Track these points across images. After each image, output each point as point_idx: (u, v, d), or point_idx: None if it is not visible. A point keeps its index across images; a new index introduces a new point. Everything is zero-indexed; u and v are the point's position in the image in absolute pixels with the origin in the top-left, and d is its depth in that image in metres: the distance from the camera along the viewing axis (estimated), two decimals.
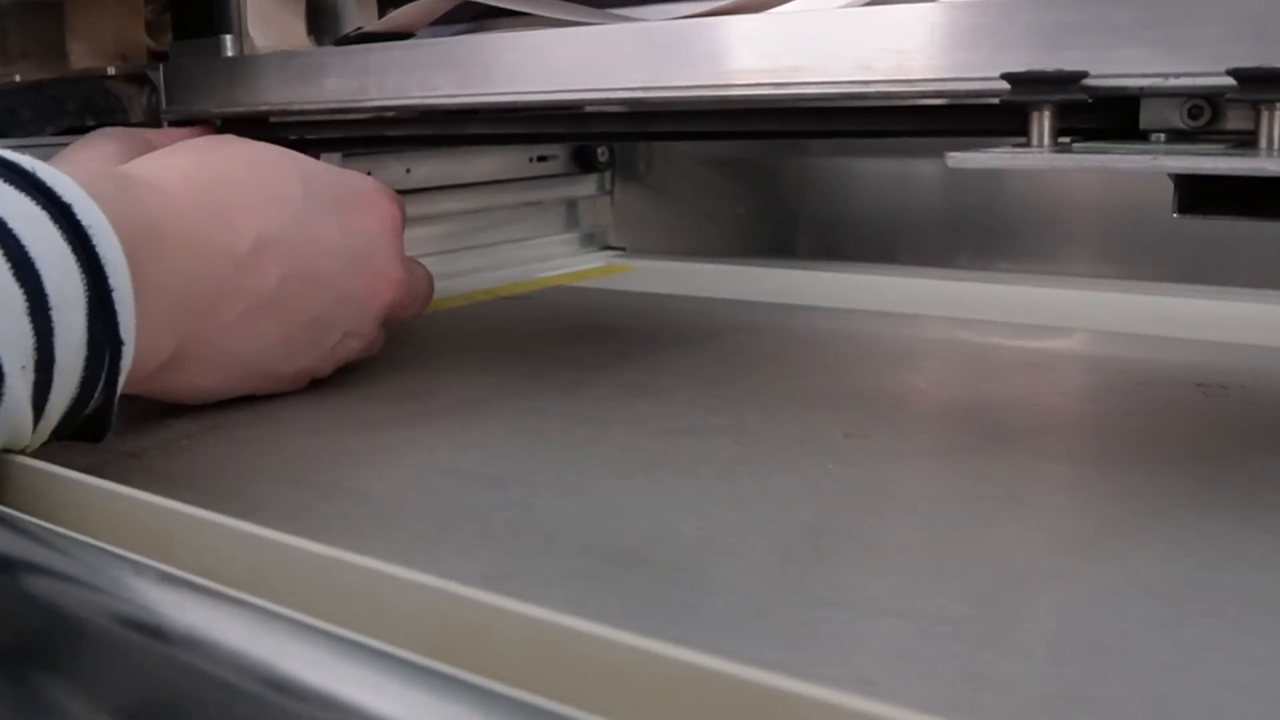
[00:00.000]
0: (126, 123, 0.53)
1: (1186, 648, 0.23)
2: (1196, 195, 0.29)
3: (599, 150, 0.79)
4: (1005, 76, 0.29)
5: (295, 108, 0.45)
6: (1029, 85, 0.29)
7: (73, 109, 0.53)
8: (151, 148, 0.46)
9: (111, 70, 0.52)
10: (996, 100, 0.30)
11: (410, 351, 0.50)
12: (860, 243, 0.71)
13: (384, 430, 0.39)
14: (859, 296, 0.62)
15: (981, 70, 0.29)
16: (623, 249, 0.81)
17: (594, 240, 0.82)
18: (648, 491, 0.32)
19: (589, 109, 0.42)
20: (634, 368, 0.47)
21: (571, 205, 0.81)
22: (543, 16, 0.42)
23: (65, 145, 0.45)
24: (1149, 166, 0.27)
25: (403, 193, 0.69)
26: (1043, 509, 0.31)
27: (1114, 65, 0.28)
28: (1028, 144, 0.29)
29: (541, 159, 0.78)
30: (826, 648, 0.23)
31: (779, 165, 0.75)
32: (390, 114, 0.44)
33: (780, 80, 0.33)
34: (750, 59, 0.34)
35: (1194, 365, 0.44)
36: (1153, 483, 0.32)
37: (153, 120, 0.52)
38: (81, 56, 0.55)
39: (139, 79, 0.51)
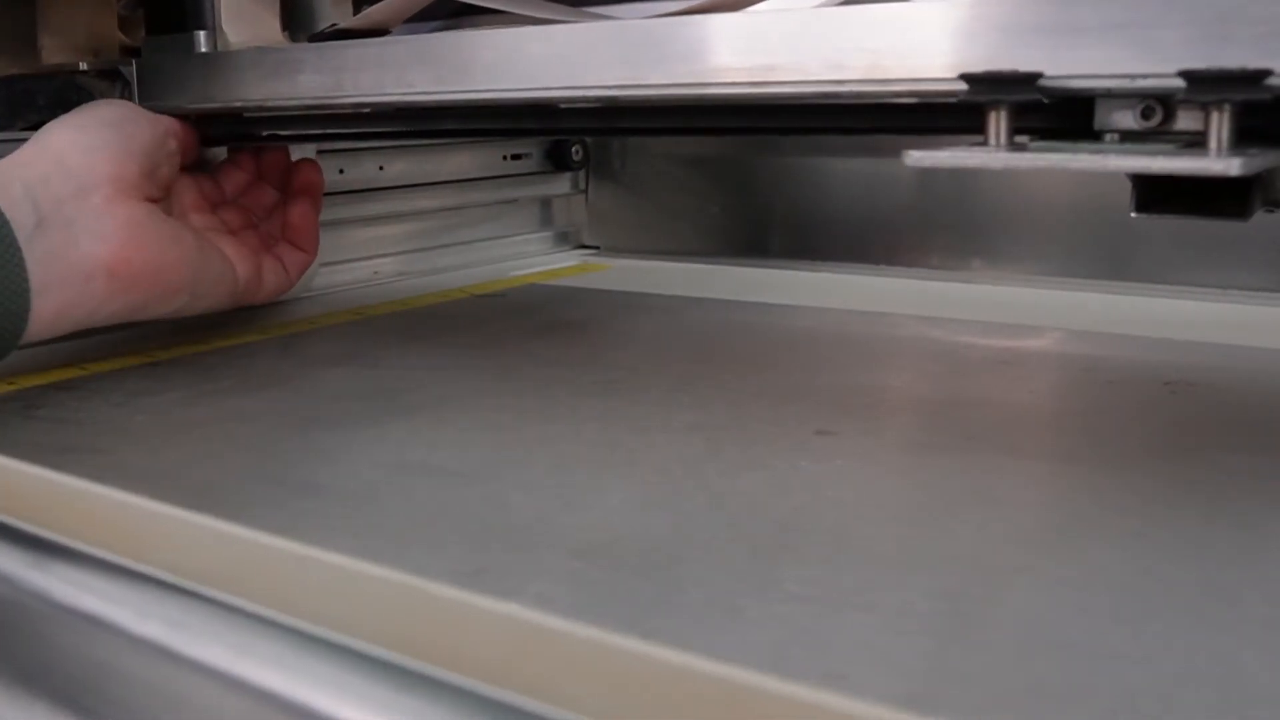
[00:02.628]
0: None
1: (1151, 641, 0.23)
2: (1153, 194, 0.29)
3: (573, 149, 0.79)
4: (963, 77, 0.29)
5: (270, 104, 0.45)
6: (986, 85, 0.29)
7: (44, 104, 0.52)
8: (169, 134, 0.47)
9: (84, 65, 0.52)
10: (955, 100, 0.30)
11: (382, 349, 0.50)
12: (834, 241, 0.72)
13: (355, 427, 0.38)
14: (832, 295, 0.62)
15: (955, 70, 0.30)
16: (597, 247, 0.81)
17: (568, 239, 0.82)
18: (620, 488, 0.32)
19: (564, 105, 0.42)
20: (607, 365, 0.47)
21: (545, 203, 0.81)
22: (519, 14, 0.42)
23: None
24: (1099, 166, 0.27)
25: (376, 190, 0.69)
26: (1010, 505, 0.31)
27: (1073, 66, 0.28)
28: (985, 143, 0.29)
29: (515, 157, 0.78)
30: (796, 642, 0.23)
31: (753, 164, 0.75)
32: (366, 110, 0.44)
33: (755, 79, 0.33)
34: (726, 57, 0.34)
35: (1162, 363, 0.45)
36: (1119, 479, 0.32)
37: None
38: (53, 51, 0.54)
39: (111, 75, 0.51)
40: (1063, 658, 0.22)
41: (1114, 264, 0.62)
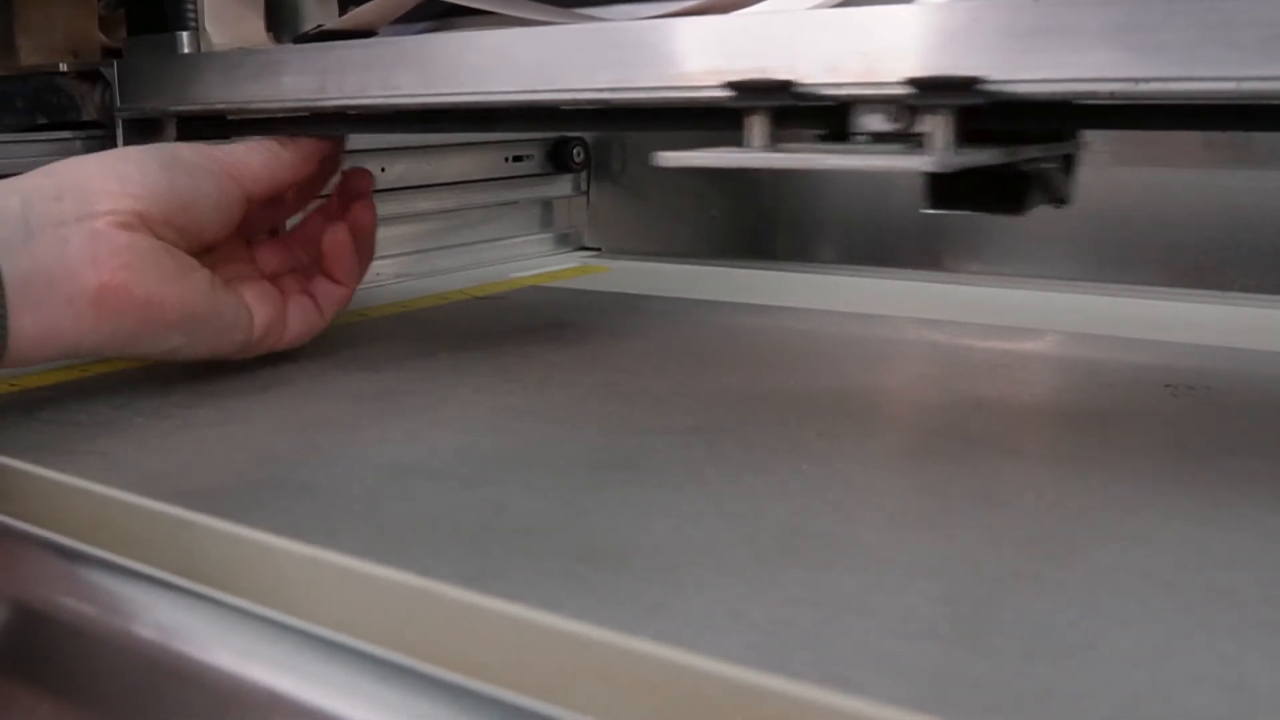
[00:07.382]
0: (78, 121, 0.51)
1: (1154, 645, 0.23)
2: (942, 192, 0.32)
3: (574, 150, 0.79)
4: (729, 84, 0.31)
5: (253, 106, 0.44)
6: (746, 92, 0.31)
7: (22, 107, 0.52)
8: (243, 197, 0.44)
9: (63, 67, 0.51)
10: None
11: (383, 351, 0.50)
12: (833, 244, 0.72)
13: (356, 429, 0.38)
14: (832, 297, 0.62)
15: (951, 72, 0.30)
16: (598, 249, 0.81)
17: (569, 240, 0.82)
18: (621, 491, 0.32)
19: (551, 108, 0.42)
20: (607, 367, 0.47)
21: (546, 205, 0.81)
22: (506, 16, 0.42)
23: (10, 143, 0.44)
24: (818, 163, 0.29)
25: (377, 192, 0.69)
26: (1012, 509, 0.31)
27: (816, 74, 0.30)
28: (742, 145, 0.31)
29: (517, 159, 0.78)
30: (799, 646, 0.23)
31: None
32: (351, 113, 0.44)
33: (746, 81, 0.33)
34: (716, 60, 0.33)
35: (1163, 366, 0.45)
36: (1121, 482, 0.32)
37: (105, 119, 0.50)
38: (31, 52, 0.54)
39: (92, 76, 0.50)
40: (1065, 661, 0.22)
41: (1113, 266, 0.62)
